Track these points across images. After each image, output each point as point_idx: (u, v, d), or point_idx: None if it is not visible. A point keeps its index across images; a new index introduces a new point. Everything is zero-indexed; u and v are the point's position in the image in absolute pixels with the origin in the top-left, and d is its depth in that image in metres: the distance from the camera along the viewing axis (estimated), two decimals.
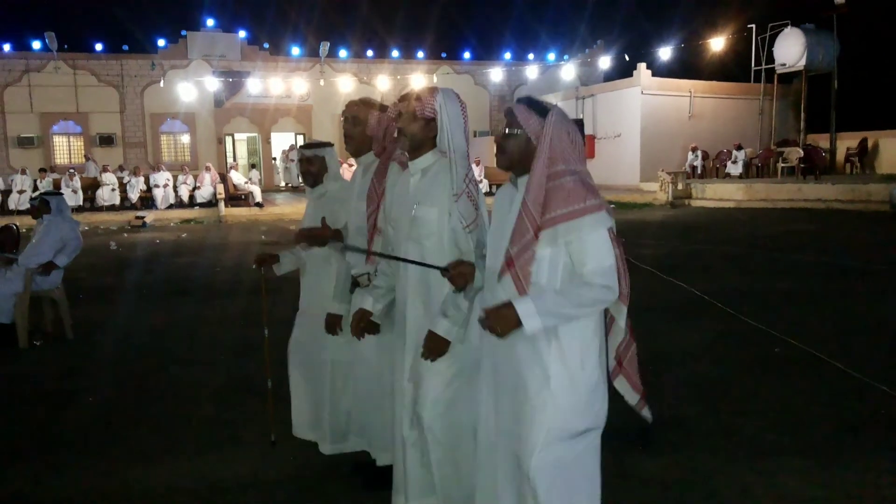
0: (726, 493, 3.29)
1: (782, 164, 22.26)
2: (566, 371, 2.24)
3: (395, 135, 2.86)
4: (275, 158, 30.69)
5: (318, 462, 3.63)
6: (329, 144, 3.62)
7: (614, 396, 2.43)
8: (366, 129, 3.27)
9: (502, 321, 2.17)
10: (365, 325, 3.01)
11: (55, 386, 5.21)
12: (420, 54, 33.40)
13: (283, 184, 29.13)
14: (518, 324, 2.16)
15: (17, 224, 7.94)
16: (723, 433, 3.99)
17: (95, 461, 3.82)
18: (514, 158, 2.35)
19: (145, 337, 6.67)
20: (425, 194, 2.74)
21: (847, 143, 23.74)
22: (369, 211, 3.21)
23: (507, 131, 2.35)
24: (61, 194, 7.18)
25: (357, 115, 3.28)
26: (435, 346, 2.60)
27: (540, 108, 2.32)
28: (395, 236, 2.91)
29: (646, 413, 2.47)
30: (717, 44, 24.53)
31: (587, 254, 2.19)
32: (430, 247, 2.72)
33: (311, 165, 3.62)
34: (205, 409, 4.60)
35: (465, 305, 2.54)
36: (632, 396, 2.45)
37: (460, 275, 2.46)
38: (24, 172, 21.45)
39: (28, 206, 19.43)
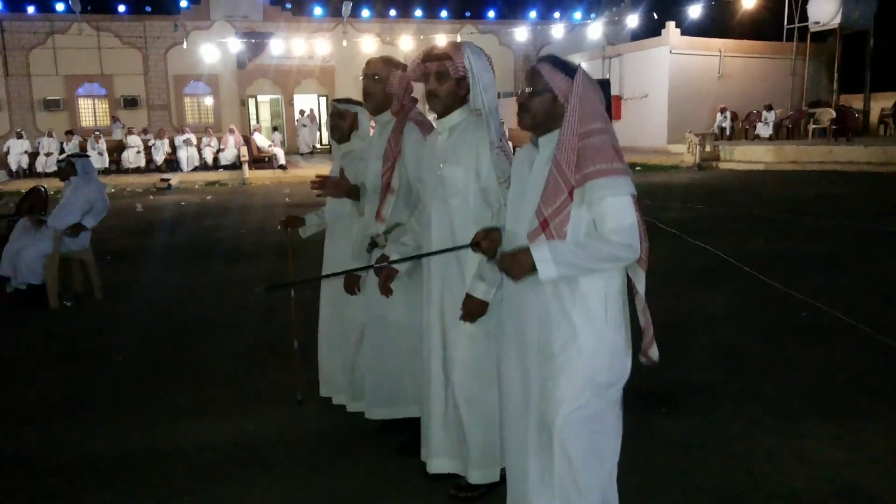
0: (750, 457, 3.28)
1: (814, 126, 21.81)
2: (591, 326, 2.24)
3: (425, 95, 2.81)
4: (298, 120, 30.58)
5: (344, 420, 3.69)
6: (363, 103, 3.59)
7: (634, 358, 2.41)
8: (386, 86, 3.24)
9: (517, 265, 2.20)
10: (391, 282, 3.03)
11: (86, 345, 5.31)
12: (444, 14, 32.93)
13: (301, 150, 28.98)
14: (533, 268, 2.17)
15: (45, 186, 8.04)
16: (748, 397, 3.97)
17: (126, 419, 3.91)
18: (539, 118, 2.32)
19: (172, 299, 6.76)
20: (451, 153, 2.73)
21: (882, 103, 23.16)
22: (384, 170, 3.20)
23: (530, 90, 2.31)
24: (87, 156, 7.23)
25: (378, 73, 3.25)
26: (473, 308, 2.63)
27: (566, 68, 2.28)
28: (424, 195, 2.90)
29: (654, 351, 2.44)
30: (749, 1, 23.87)
31: (608, 213, 2.18)
32: (455, 206, 2.72)
33: (343, 120, 3.62)
34: (232, 370, 4.67)
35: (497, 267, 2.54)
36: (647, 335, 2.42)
37: (491, 243, 2.44)
38: (50, 135, 21.70)
39: (56, 168, 19.75)
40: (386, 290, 3.06)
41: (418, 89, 3.08)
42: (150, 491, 3.12)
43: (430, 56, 2.74)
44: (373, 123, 3.54)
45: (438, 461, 2.92)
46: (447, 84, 2.71)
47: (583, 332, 2.24)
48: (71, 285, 6.76)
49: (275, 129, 29.85)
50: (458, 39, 29.60)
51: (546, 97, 2.28)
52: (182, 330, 5.66)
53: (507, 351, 2.46)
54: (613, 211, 2.17)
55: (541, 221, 2.23)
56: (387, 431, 3.53)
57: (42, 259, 6.35)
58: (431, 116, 2.99)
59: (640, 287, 2.33)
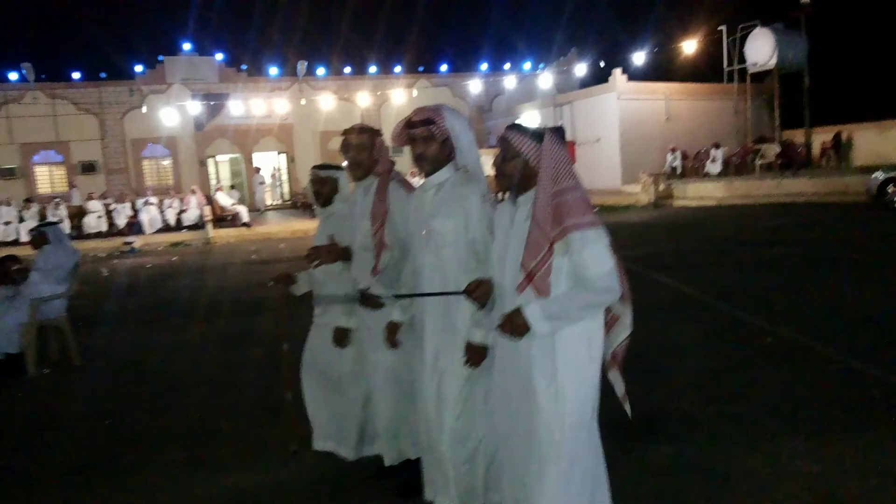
0: (731, 476, 3.47)
1: (760, 161, 22.70)
2: (575, 365, 2.47)
3: (413, 158, 3.01)
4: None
5: (340, 468, 3.78)
6: (341, 168, 3.77)
7: (613, 392, 2.70)
8: (371, 154, 3.45)
9: (514, 327, 2.44)
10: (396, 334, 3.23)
11: (70, 411, 5.31)
12: (398, 69, 33.65)
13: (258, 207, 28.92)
14: (527, 328, 2.42)
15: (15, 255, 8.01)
16: (723, 420, 4.18)
17: (123, 479, 3.94)
18: (514, 180, 2.58)
19: (151, 360, 6.77)
20: (441, 207, 2.92)
21: (822, 137, 24.21)
22: (375, 227, 3.38)
23: (503, 157, 2.57)
24: (57, 223, 7.28)
25: (363, 143, 3.45)
26: (475, 354, 2.82)
27: (532, 133, 2.54)
28: (414, 248, 3.08)
29: (628, 407, 2.76)
30: (690, 46, 24.94)
31: (589, 261, 2.42)
32: (446, 256, 2.90)
33: (324, 186, 3.79)
34: (222, 426, 4.72)
35: (491, 315, 2.72)
36: (620, 388, 2.72)
37: (483, 294, 2.65)
38: (8, 203, 21.41)
39: (14, 237, 19.44)
40: (393, 343, 3.25)
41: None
42: None
43: (413, 122, 2.94)
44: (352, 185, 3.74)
45: (432, 490, 3.05)
46: (433, 146, 2.92)
47: (563, 372, 2.46)
48: (47, 353, 6.73)
49: (232, 187, 29.87)
50: (414, 93, 30.27)
51: (518, 161, 2.54)
52: (166, 390, 5.69)
53: (497, 388, 2.68)
54: (593, 259, 2.41)
55: (526, 274, 2.45)
56: (383, 475, 3.63)
57: (19, 328, 6.34)
58: (415, 179, 3.21)
59: (627, 319, 2.60)
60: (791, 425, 4.02)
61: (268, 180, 31.01)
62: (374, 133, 3.51)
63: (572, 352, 2.47)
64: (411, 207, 3.16)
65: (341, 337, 3.61)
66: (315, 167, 3.87)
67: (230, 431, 4.60)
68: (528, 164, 2.51)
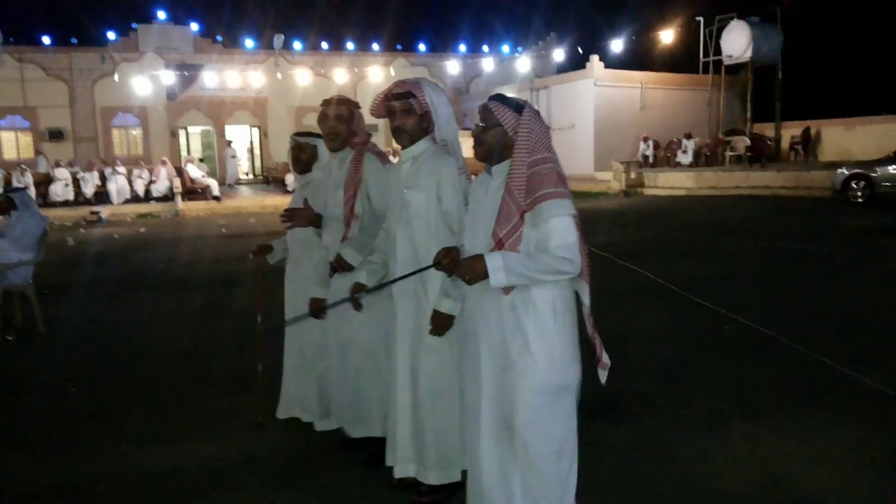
0: (685, 458, 3.59)
1: (730, 153, 23.02)
2: (543, 335, 2.52)
3: (391, 129, 3.06)
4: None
5: (306, 440, 3.84)
6: (321, 136, 3.79)
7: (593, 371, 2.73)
8: (350, 125, 3.49)
9: (472, 270, 2.47)
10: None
11: (37, 379, 5.29)
12: (375, 47, 33.41)
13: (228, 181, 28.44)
14: (485, 274, 2.44)
15: None
16: (681, 404, 4.31)
17: (90, 447, 3.96)
18: (492, 150, 2.62)
19: (117, 330, 6.75)
20: (414, 180, 2.99)
21: (791, 131, 24.62)
22: (346, 197, 3.44)
23: (483, 125, 2.61)
24: (24, 189, 7.19)
25: (342, 114, 3.49)
26: (441, 323, 2.87)
27: (513, 104, 2.59)
28: (390, 218, 3.14)
29: (603, 373, 2.75)
30: (667, 36, 25.11)
31: (553, 231, 2.47)
32: (418, 228, 2.98)
33: (303, 153, 3.83)
34: (187, 396, 4.75)
35: (460, 284, 2.78)
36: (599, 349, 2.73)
37: (452, 261, 2.68)
38: None
39: None
40: (356, 305, 3.28)
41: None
42: None
43: (394, 95, 3.00)
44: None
45: (404, 466, 3.12)
46: (412, 119, 2.98)
47: (535, 341, 2.51)
48: (12, 319, 6.67)
49: (201, 160, 29.53)
50: (392, 72, 30.09)
51: (497, 131, 2.58)
52: (131, 359, 5.68)
53: (469, 359, 2.72)
54: (558, 230, 2.46)
55: (496, 241, 2.51)
56: (348, 448, 3.70)
57: None
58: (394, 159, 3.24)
59: (586, 299, 2.63)
60: (744, 411, 4.16)
61: (241, 154, 30.75)
62: (352, 105, 3.55)
63: (540, 321, 2.52)
64: (387, 178, 3.20)
65: (316, 308, 3.65)
66: (295, 134, 3.91)
67: (197, 402, 4.63)
68: (506, 135, 2.56)
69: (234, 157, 28.60)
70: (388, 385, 3.21)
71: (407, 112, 2.98)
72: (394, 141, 3.18)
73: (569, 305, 2.61)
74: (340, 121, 3.49)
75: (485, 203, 2.64)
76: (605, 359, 2.74)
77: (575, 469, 2.66)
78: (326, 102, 3.57)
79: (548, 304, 2.53)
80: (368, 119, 3.54)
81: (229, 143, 28.77)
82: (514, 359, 2.53)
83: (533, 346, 2.51)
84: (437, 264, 2.70)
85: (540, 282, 2.50)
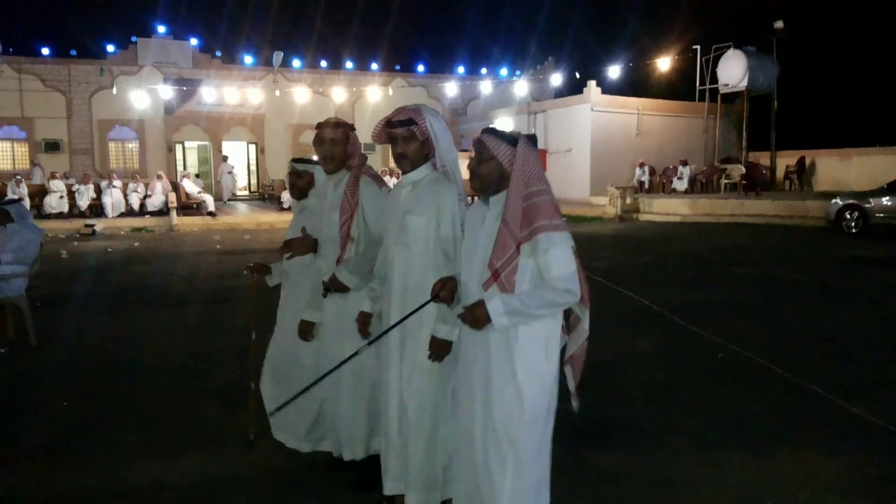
0: (674, 483, 3.61)
1: (725, 181, 23.16)
2: (531, 365, 2.59)
3: (393, 156, 3.11)
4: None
5: (297, 460, 3.83)
6: (317, 163, 3.81)
7: (567, 397, 2.81)
8: (346, 148, 3.52)
9: (476, 319, 2.56)
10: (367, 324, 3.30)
11: (26, 392, 5.27)
12: (374, 66, 33.62)
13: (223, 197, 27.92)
14: (488, 319, 2.53)
15: None
16: (670, 430, 4.32)
17: (80, 463, 3.94)
18: (487, 182, 2.69)
19: (108, 345, 6.71)
20: (415, 204, 3.02)
21: (786, 160, 24.83)
22: (343, 220, 3.46)
23: (479, 159, 2.67)
24: (19, 201, 7.16)
25: (336, 137, 3.51)
26: (440, 349, 2.90)
27: (508, 138, 2.66)
28: (387, 241, 3.16)
29: (575, 403, 2.86)
30: (664, 64, 25.39)
31: (553, 263, 2.54)
32: (416, 252, 3.00)
33: (300, 179, 3.85)
34: (178, 412, 4.73)
35: (457, 310, 2.81)
36: (572, 384, 2.83)
37: (448, 292, 2.76)
38: None
39: None
40: (364, 333, 3.28)
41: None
42: None
43: (395, 122, 3.04)
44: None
45: (393, 484, 3.12)
46: (414, 145, 3.03)
47: (522, 370, 2.58)
48: (5, 332, 6.65)
49: (197, 175, 29.55)
50: (390, 92, 30.24)
51: (492, 164, 2.65)
52: (122, 375, 5.66)
53: (461, 382, 2.79)
54: (557, 261, 2.53)
55: (493, 272, 2.57)
56: (338, 468, 3.70)
57: None
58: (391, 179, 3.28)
59: (585, 323, 2.72)
60: (734, 438, 4.18)
61: (238, 170, 30.74)
62: (348, 128, 3.59)
63: (530, 352, 2.58)
64: (387, 202, 3.22)
65: (306, 330, 3.66)
66: (293, 160, 3.93)
67: (189, 418, 4.62)
68: (501, 167, 2.62)
69: (230, 172, 28.57)
70: (381, 404, 3.21)
71: (409, 139, 3.02)
72: (391, 161, 3.22)
73: (559, 342, 2.70)
74: (336, 144, 3.52)
75: (481, 234, 2.69)
76: (576, 402, 2.86)
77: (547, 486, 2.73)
78: (322, 125, 3.60)
79: (540, 342, 2.61)
80: (365, 140, 3.57)
81: (226, 158, 28.75)
82: (500, 387, 2.60)
83: (520, 375, 2.58)
84: (435, 297, 2.74)
85: (539, 317, 2.57)
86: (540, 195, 2.57)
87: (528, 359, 2.58)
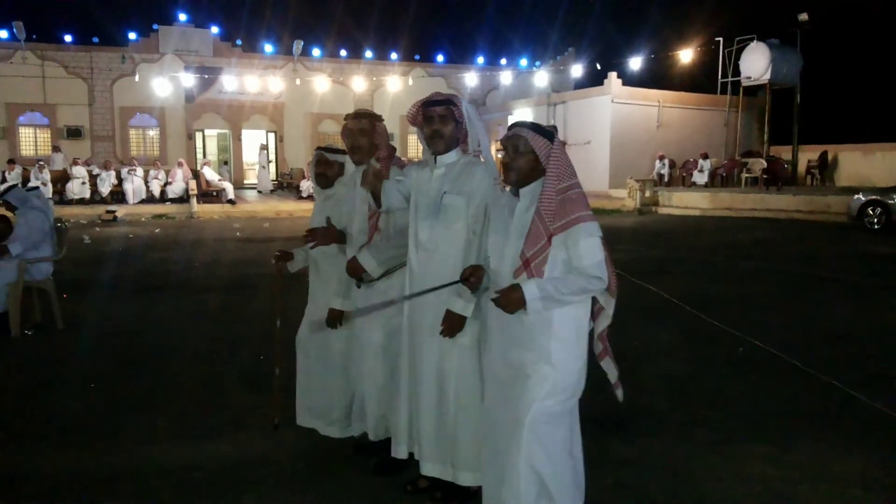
0: (695, 474, 3.63)
1: (746, 175, 22.98)
2: (563, 347, 2.66)
3: (426, 136, 3.15)
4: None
5: (320, 444, 3.89)
6: (345, 152, 3.83)
7: (591, 388, 2.85)
8: (372, 138, 3.53)
9: (511, 302, 2.60)
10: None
11: (55, 373, 5.38)
12: (393, 56, 33.58)
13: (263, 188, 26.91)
14: (523, 304, 2.58)
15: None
16: (692, 422, 4.34)
17: (107, 442, 4.03)
18: (523, 174, 2.74)
19: (133, 328, 6.82)
20: (453, 185, 3.08)
21: (808, 155, 24.59)
22: (371, 212, 3.48)
23: (516, 152, 2.72)
24: (15, 186, 7.05)
25: (365, 128, 3.52)
26: (453, 323, 2.97)
27: (546, 132, 2.72)
28: (420, 223, 3.17)
29: (619, 392, 2.98)
30: (686, 55, 25.21)
31: (584, 252, 2.62)
32: (457, 230, 3.07)
33: (330, 169, 3.87)
34: (204, 396, 4.81)
35: (487, 294, 2.86)
36: (613, 375, 2.96)
37: (478, 280, 2.83)
38: None
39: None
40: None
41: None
42: None
43: (433, 101, 3.11)
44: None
45: (431, 466, 3.17)
46: (450, 126, 3.09)
47: (556, 352, 2.65)
48: (31, 315, 6.77)
49: (225, 163, 29.75)
50: (410, 82, 30.22)
51: (529, 157, 2.71)
52: (148, 358, 5.76)
53: (489, 365, 2.85)
54: (588, 250, 2.61)
55: (524, 261, 2.64)
56: (363, 452, 3.76)
57: (4, 288, 6.36)
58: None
59: (610, 311, 2.81)
60: (754, 430, 4.19)
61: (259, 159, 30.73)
62: (375, 118, 3.59)
63: (563, 334, 2.67)
64: (414, 179, 3.25)
65: (334, 318, 3.70)
66: (322, 148, 3.94)
67: (214, 402, 4.70)
68: (538, 161, 2.69)
69: (265, 166, 27.56)
70: (406, 384, 3.25)
71: (445, 118, 3.08)
72: (422, 149, 3.25)
73: (587, 323, 2.79)
74: (363, 134, 3.52)
75: (511, 225, 2.75)
76: (620, 392, 2.99)
77: (582, 469, 2.80)
78: (349, 117, 3.62)
79: (571, 326, 2.69)
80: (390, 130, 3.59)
81: (264, 147, 28.23)
82: (530, 369, 2.66)
83: (554, 356, 2.64)
84: (465, 280, 2.81)
85: (572, 302, 2.64)
86: (573, 188, 2.65)
87: (561, 341, 2.65)
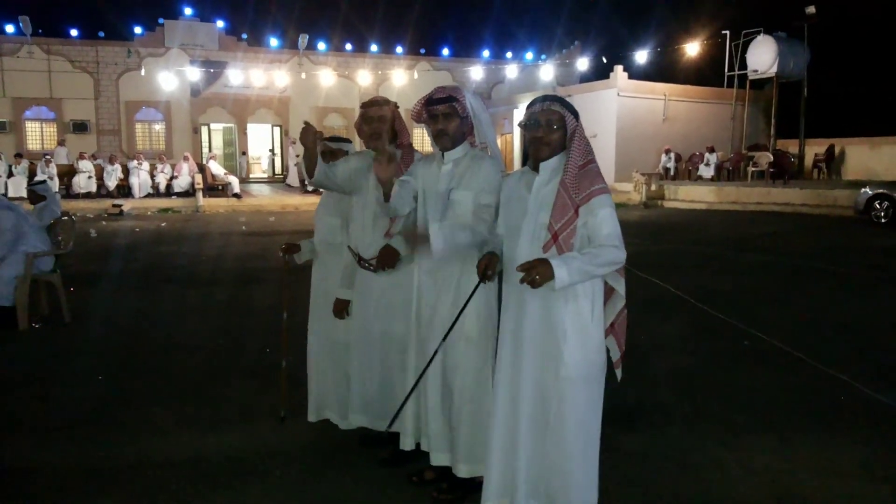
0: (701, 466, 3.63)
1: (752, 168, 22.92)
2: (581, 325, 2.68)
3: (432, 134, 3.15)
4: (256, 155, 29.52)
5: (327, 436, 3.90)
6: (350, 140, 3.84)
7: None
8: (393, 125, 3.53)
9: (540, 273, 2.50)
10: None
11: (62, 366, 5.40)
12: (399, 50, 33.53)
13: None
14: (552, 276, 2.51)
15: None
16: (697, 415, 4.34)
17: (115, 434, 4.05)
18: (554, 149, 2.75)
19: (140, 322, 6.85)
20: (460, 180, 3.08)
21: (815, 149, 24.49)
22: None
23: (552, 127, 2.72)
24: (44, 182, 7.31)
25: (384, 115, 3.53)
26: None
27: (573, 109, 2.76)
28: (427, 217, 3.17)
29: (619, 372, 2.97)
30: (692, 49, 25.11)
31: (603, 222, 2.64)
32: (465, 225, 3.04)
33: (334, 159, 3.87)
34: (211, 389, 4.83)
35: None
36: (615, 352, 2.93)
37: (493, 269, 2.82)
38: None
39: (2, 191, 19.37)
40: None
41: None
42: (147, 500, 3.28)
43: (436, 99, 3.09)
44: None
45: (439, 455, 3.20)
46: (455, 122, 3.09)
47: (572, 329, 2.67)
48: (38, 308, 6.80)
49: (243, 153, 29.78)
50: (415, 75, 30.16)
51: (562, 132, 2.73)
52: (155, 351, 5.78)
53: (507, 355, 2.82)
54: (607, 221, 2.65)
55: (552, 234, 2.64)
56: (369, 444, 3.77)
57: (13, 281, 6.39)
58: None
59: (622, 290, 2.82)
60: (761, 424, 4.19)
61: (263, 153, 30.93)
62: (393, 105, 3.59)
63: (580, 312, 2.68)
64: (421, 176, 3.25)
65: (340, 308, 3.70)
66: (326, 139, 3.92)
67: (220, 395, 4.71)
68: (565, 136, 2.72)
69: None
70: (414, 376, 3.25)
71: (449, 116, 3.08)
72: (430, 141, 3.24)
73: (601, 296, 2.79)
74: (383, 121, 3.52)
75: (531, 200, 2.74)
76: (620, 371, 2.97)
77: (597, 463, 2.84)
78: (368, 104, 3.60)
79: (587, 297, 2.69)
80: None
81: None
82: (551, 347, 2.67)
83: (570, 335, 2.66)
84: (484, 277, 2.78)
85: (597, 276, 2.65)
86: (592, 163, 2.70)
87: (578, 319, 2.67)
